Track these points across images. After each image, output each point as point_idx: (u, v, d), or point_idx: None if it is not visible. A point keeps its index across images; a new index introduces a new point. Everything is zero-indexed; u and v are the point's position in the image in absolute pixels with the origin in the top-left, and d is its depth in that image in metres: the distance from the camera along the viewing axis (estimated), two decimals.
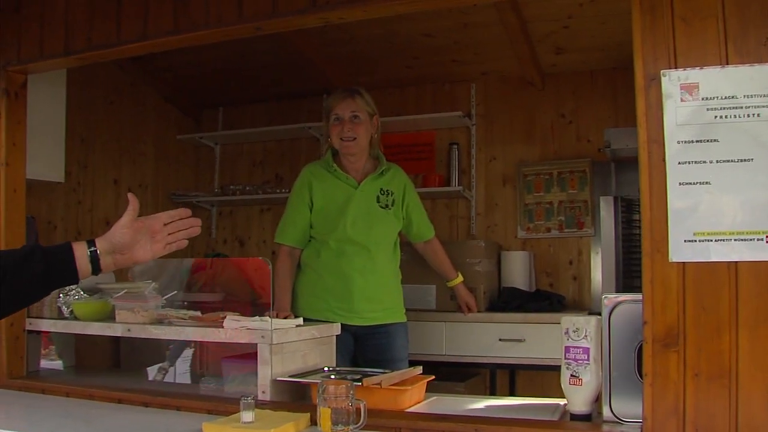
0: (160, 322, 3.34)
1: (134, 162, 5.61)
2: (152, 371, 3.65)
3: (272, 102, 6.05)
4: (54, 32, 3.43)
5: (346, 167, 3.93)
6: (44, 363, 3.86)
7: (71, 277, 2.16)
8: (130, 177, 5.57)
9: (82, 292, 3.60)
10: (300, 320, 3.34)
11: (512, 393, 4.87)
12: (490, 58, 5.12)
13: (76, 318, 3.55)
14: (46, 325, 3.63)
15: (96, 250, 2.16)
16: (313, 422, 2.51)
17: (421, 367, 3.11)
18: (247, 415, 2.48)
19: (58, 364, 3.88)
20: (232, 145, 6.26)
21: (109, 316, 3.48)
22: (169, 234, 2.24)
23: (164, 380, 3.63)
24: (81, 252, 2.15)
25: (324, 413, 2.40)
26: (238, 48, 4.68)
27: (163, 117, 5.92)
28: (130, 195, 2.23)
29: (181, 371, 3.65)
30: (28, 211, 3.79)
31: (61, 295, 3.57)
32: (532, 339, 4.52)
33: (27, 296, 2.21)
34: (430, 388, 3.06)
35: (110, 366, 4.06)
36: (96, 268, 2.17)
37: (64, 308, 3.58)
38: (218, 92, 6.07)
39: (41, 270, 2.11)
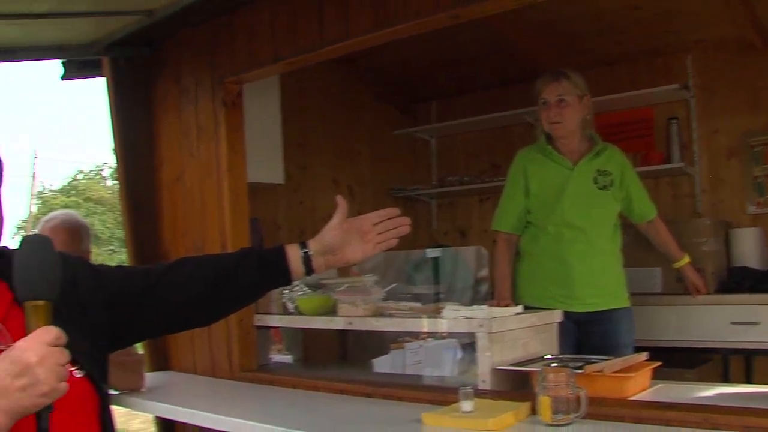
0: (380, 314, 3.40)
1: (351, 160, 5.73)
2: (378, 363, 3.72)
3: (483, 91, 6.01)
4: (263, 41, 3.59)
5: (560, 149, 3.86)
6: (276, 357, 4.03)
7: (284, 279, 2.23)
8: (349, 175, 5.69)
9: (305, 288, 3.71)
10: (520, 308, 3.30)
11: (748, 380, 4.59)
12: (704, 24, 4.84)
13: (300, 313, 3.67)
14: (272, 321, 3.79)
15: (308, 252, 2.21)
16: (534, 411, 2.48)
17: (646, 354, 3.00)
18: (467, 405, 2.48)
19: (288, 357, 4.04)
20: (447, 137, 6.28)
21: (332, 310, 3.57)
22: (378, 234, 2.25)
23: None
24: (294, 254, 2.21)
25: (544, 402, 2.37)
26: (445, 40, 4.68)
27: (376, 114, 6.00)
28: (338, 197, 2.27)
29: (410, 362, 3.70)
30: (253, 213, 3.97)
31: (286, 291, 3.70)
32: None
33: (243, 298, 2.31)
34: (658, 375, 2.95)
35: (337, 359, 4.18)
36: (309, 270, 2.22)
37: (289, 304, 3.71)
38: (429, 86, 6.10)
39: (256, 273, 2.19)
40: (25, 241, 1.70)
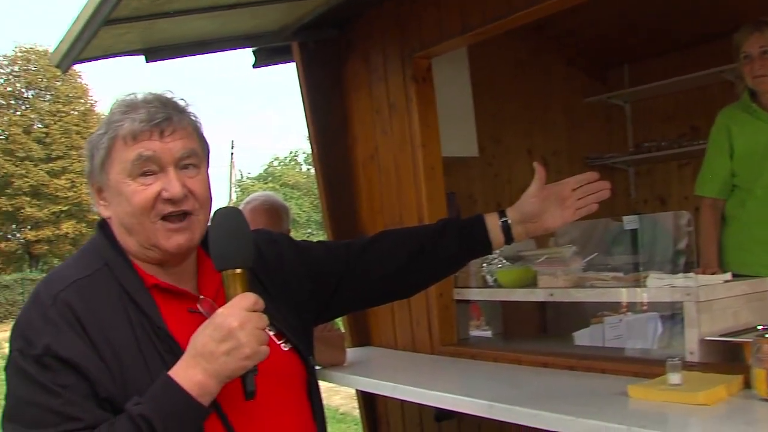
0: (582, 285, 3.33)
1: (545, 130, 5.63)
2: (578, 336, 3.66)
3: (678, 51, 5.75)
4: (450, 13, 3.56)
5: (766, 106, 3.65)
6: (475, 332, 4.02)
7: (484, 249, 2.24)
8: (543, 145, 5.59)
9: (504, 261, 3.69)
10: (728, 275, 3.15)
11: None
12: None
13: (500, 286, 3.65)
14: (472, 294, 3.78)
15: (507, 221, 2.21)
16: (747, 385, 2.37)
17: None
18: (674, 377, 2.40)
19: (487, 332, 4.03)
20: (641, 101, 6.06)
21: (532, 282, 3.53)
22: (578, 199, 2.21)
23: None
24: (493, 223, 2.21)
25: (759, 375, 2.27)
26: (634, 1, 4.51)
27: (568, 81, 5.87)
28: (536, 164, 2.24)
29: (610, 337, 3.62)
30: (448, 187, 3.98)
31: (484, 264, 3.69)
32: None
33: (444, 269, 2.34)
34: None
35: (537, 332, 4.13)
36: (508, 239, 2.21)
37: (488, 277, 3.70)
38: (621, 49, 5.90)
39: (456, 244, 2.21)
40: (217, 214, 1.82)
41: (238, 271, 1.74)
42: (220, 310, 1.69)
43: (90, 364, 1.67)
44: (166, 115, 1.81)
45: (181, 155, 1.82)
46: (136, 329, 1.74)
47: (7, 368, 1.73)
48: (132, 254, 1.86)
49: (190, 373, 1.65)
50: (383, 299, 2.43)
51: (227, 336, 1.64)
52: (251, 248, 1.80)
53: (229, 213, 1.83)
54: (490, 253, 2.31)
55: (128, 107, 1.83)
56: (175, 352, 1.72)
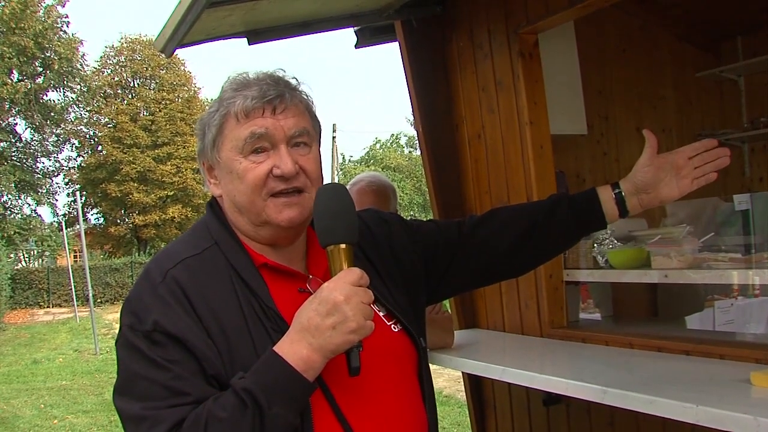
0: (698, 266, 3.20)
1: (654, 107, 5.46)
2: (690, 320, 3.54)
3: None
4: None
5: None
6: (583, 315, 3.94)
7: (599, 222, 2.16)
8: (652, 122, 5.41)
9: (615, 241, 3.59)
10: None
11: None
12: None
13: (611, 267, 3.55)
14: (582, 276, 3.69)
15: (621, 192, 2.13)
16: None
17: None
18: None
19: (596, 315, 3.94)
20: (757, 75, 5.80)
21: (645, 264, 3.42)
22: (695, 168, 2.11)
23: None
24: (606, 196, 2.14)
25: None
26: None
27: (678, 56, 5.67)
28: (645, 131, 2.15)
29: (721, 322, 3.49)
30: (556, 165, 3.89)
31: (595, 244, 3.60)
32: None
33: (557, 244, 2.28)
34: None
35: (647, 315, 4.02)
36: (623, 211, 2.14)
37: (599, 258, 3.61)
38: (733, 21, 5.66)
39: (570, 218, 2.15)
40: (319, 191, 1.81)
41: (343, 246, 1.74)
42: (325, 285, 1.69)
43: (197, 340, 1.69)
44: (278, 92, 1.82)
45: (293, 133, 1.82)
46: (245, 308, 1.76)
47: (117, 343, 1.76)
48: (243, 233, 1.88)
49: (296, 348, 1.65)
50: (495, 277, 2.39)
51: (333, 310, 1.64)
52: (356, 224, 1.80)
53: (332, 189, 1.82)
54: (605, 228, 2.23)
55: (240, 85, 1.84)
56: (283, 331, 1.72)
